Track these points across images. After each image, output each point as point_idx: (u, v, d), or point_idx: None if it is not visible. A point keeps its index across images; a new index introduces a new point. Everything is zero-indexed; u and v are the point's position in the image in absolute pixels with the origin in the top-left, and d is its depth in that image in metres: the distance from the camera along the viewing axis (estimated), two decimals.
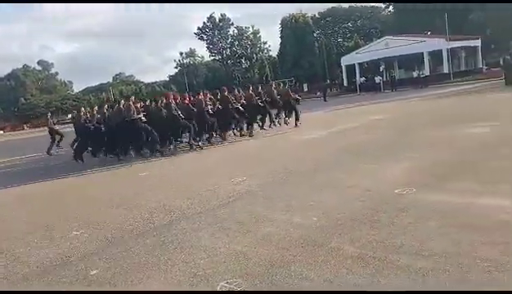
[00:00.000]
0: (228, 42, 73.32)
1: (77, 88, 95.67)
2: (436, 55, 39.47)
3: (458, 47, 39.96)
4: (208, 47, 74.18)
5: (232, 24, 72.94)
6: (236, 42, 73.04)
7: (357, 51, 46.82)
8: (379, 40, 45.53)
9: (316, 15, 68.87)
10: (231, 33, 73.14)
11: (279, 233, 4.52)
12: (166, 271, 3.94)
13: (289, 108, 15.62)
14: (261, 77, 62.09)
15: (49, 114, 19.91)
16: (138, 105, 13.10)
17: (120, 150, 12.83)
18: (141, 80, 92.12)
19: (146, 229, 5.27)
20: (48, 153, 16.58)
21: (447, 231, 4.02)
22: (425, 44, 39.26)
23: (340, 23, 71.49)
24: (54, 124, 18.27)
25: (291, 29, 58.78)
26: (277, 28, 62.40)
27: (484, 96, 19.81)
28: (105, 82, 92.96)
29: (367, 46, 46.85)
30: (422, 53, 38.96)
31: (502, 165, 6.31)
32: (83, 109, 14.60)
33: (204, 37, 73.22)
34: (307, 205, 5.44)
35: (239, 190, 6.72)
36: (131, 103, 12.32)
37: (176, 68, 79.77)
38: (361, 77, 44.11)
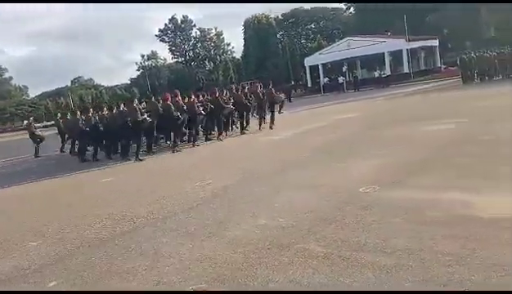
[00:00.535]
0: (191, 43, 72.65)
1: (33, 93, 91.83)
2: (396, 56, 40.51)
3: (417, 47, 41.17)
4: (170, 49, 73.24)
5: (195, 25, 72.37)
6: (199, 44, 72.50)
7: (320, 51, 47.38)
8: (341, 41, 46.22)
9: (279, 17, 69.33)
10: (193, 34, 72.52)
11: (245, 236, 4.47)
12: (128, 280, 3.81)
13: (272, 108, 15.80)
14: (225, 79, 61.94)
15: (31, 119, 20.30)
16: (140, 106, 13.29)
17: (112, 150, 13.19)
18: (102, 84, 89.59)
19: (108, 237, 5.10)
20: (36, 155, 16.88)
21: (410, 227, 4.08)
22: (386, 44, 40.21)
23: (303, 24, 72.20)
24: (35, 128, 18.67)
25: (254, 31, 58.87)
26: (240, 29, 62.38)
27: (444, 95, 20.46)
28: (63, 86, 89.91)
29: (330, 46, 47.48)
30: (383, 53, 39.87)
31: (464, 161, 6.50)
32: (78, 112, 14.84)
33: (166, 38, 72.27)
34: (273, 206, 5.41)
35: (204, 194, 6.63)
36: (135, 105, 12.53)
37: (138, 70, 78.11)
38: (324, 77, 44.69)
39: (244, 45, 61.85)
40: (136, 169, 10.65)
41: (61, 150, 17.17)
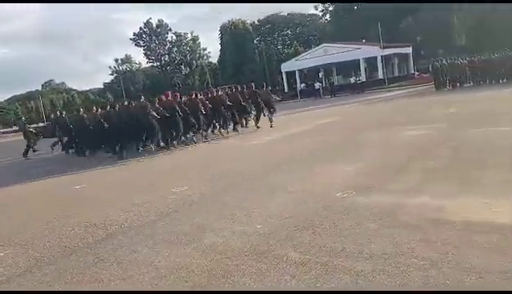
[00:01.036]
0: (166, 48, 71.95)
1: (2, 97, 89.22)
2: (371, 62, 41.15)
3: (391, 54, 41.96)
4: (145, 53, 72.35)
5: (170, 29, 71.81)
6: (175, 49, 71.90)
7: (296, 57, 47.73)
8: (317, 47, 46.65)
9: (256, 22, 69.61)
10: (169, 39, 71.91)
11: (222, 243, 4.42)
12: (102, 289, 3.71)
13: (270, 107, 16.63)
14: (201, 84, 61.65)
15: (23, 118, 22.10)
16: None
17: (116, 147, 13.54)
18: (74, 88, 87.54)
19: (80, 246, 4.96)
20: (30, 153, 17.24)
21: (386, 232, 4.11)
22: (361, 51, 40.82)
23: (279, 30, 72.66)
24: (29, 127, 19.15)
25: (231, 36, 58.88)
26: (216, 34, 62.32)
27: (418, 100, 20.89)
28: (33, 89, 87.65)
29: (306, 53, 47.87)
30: (358, 60, 40.45)
31: (436, 165, 6.63)
32: (81, 109, 15.88)
33: (141, 42, 71.40)
34: (251, 212, 5.38)
35: (181, 200, 6.54)
36: (146, 102, 13.34)
37: (111, 75, 76.77)
38: (301, 83, 45.01)
39: (221, 50, 61.79)
40: (111, 174, 10.44)
41: (52, 147, 17.41)
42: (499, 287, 2.93)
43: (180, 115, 13.09)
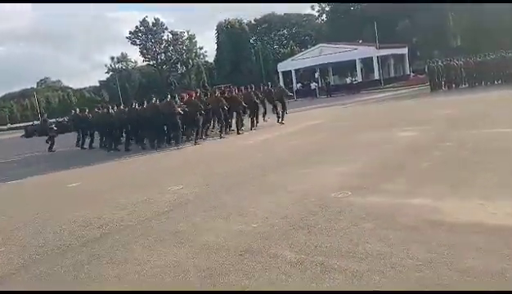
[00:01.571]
0: (162, 46, 71.77)
1: None
2: (367, 63, 41.20)
3: (387, 55, 42.05)
4: (141, 52, 72.12)
5: (166, 28, 71.65)
6: (171, 47, 71.72)
7: (292, 57, 47.74)
8: (313, 47, 46.69)
9: (252, 22, 69.60)
10: (165, 37, 71.74)
11: (217, 242, 4.42)
12: (97, 287, 3.70)
13: (283, 105, 17.19)
14: (198, 83, 61.52)
15: (45, 115, 23.49)
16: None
17: (141, 140, 14.65)
18: (70, 86, 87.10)
19: (75, 244, 4.94)
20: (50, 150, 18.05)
21: (381, 232, 4.12)
22: (357, 52, 40.86)
23: (276, 30, 72.71)
24: (50, 125, 20.29)
25: (227, 35, 58.86)
26: (213, 33, 62.21)
27: (414, 102, 20.90)
28: (28, 87, 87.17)
29: (303, 53, 47.91)
30: (354, 60, 40.48)
31: (433, 166, 6.65)
32: (110, 106, 16.61)
33: (137, 41, 71.16)
34: (246, 212, 5.38)
35: (175, 199, 6.53)
36: (172, 100, 14.04)
37: (107, 73, 76.48)
38: (297, 83, 45.03)
39: (217, 49, 61.71)
40: (106, 172, 10.42)
41: (77, 145, 17.97)
42: (494, 287, 2.95)
43: (202, 113, 14.04)
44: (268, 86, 18.05)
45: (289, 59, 47.67)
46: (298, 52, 51.03)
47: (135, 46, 71.80)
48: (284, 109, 17.02)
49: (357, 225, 4.39)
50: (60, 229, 5.61)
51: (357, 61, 40.53)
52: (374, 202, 5.10)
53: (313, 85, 41.32)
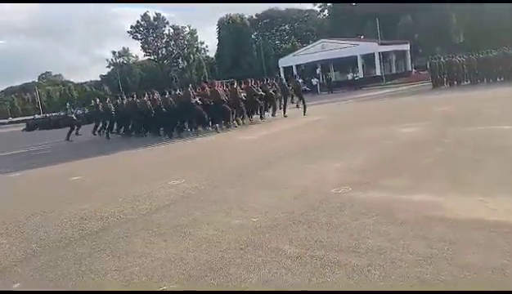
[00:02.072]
0: (164, 41, 71.59)
1: None
2: (369, 59, 41.10)
3: (389, 51, 41.93)
4: (142, 47, 72.02)
5: (168, 23, 71.46)
6: (172, 42, 71.56)
7: (294, 53, 47.63)
8: (315, 43, 46.51)
9: (254, 17, 69.38)
10: (166, 32, 71.55)
11: (217, 236, 4.43)
12: (97, 280, 3.72)
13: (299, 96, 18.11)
14: (199, 78, 61.47)
15: (67, 105, 23.69)
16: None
17: (169, 129, 15.37)
18: (71, 80, 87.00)
19: (76, 237, 4.96)
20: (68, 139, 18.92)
21: (382, 228, 4.13)
22: (359, 47, 40.74)
23: (277, 25, 72.48)
24: (72, 114, 21.40)
25: (228, 30, 58.74)
26: (214, 28, 62.07)
27: (415, 98, 20.90)
28: (29, 81, 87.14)
29: (304, 48, 47.79)
30: (356, 56, 40.36)
31: (433, 162, 6.65)
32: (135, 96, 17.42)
33: (139, 36, 71.05)
34: (246, 206, 5.38)
35: (176, 193, 6.54)
36: (190, 90, 14.91)
37: (108, 67, 76.39)
38: (298, 78, 44.89)
39: (219, 44, 61.62)
40: (111, 165, 10.43)
41: (94, 132, 19.19)
42: (494, 283, 2.95)
43: (225, 102, 14.98)
44: (279, 79, 19.39)
45: (291, 54, 47.55)
46: (300, 48, 50.88)
47: (136, 41, 71.80)
48: (303, 101, 17.67)
49: (358, 220, 4.40)
50: (61, 222, 5.62)
51: (359, 57, 40.43)
52: (374, 198, 5.11)
53: (314, 81, 41.22)
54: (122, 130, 18.01)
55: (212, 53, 69.21)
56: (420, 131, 9.85)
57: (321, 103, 24.35)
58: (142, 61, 76.42)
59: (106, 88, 69.91)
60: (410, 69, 44.34)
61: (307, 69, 45.80)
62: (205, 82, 19.13)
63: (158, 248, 4.29)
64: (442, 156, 7.06)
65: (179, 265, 3.83)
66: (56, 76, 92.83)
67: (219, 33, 60.96)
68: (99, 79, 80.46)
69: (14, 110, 69.25)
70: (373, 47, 39.92)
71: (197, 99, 14.43)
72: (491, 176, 5.45)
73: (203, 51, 73.36)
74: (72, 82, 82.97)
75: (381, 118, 13.32)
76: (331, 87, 38.08)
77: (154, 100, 15.79)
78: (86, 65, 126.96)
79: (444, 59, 26.62)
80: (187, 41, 72.08)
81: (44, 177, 10.06)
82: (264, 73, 50.50)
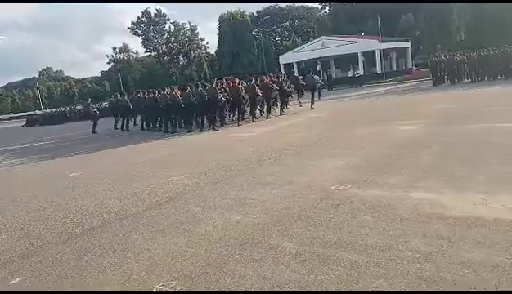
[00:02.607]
0: (164, 37, 71.52)
1: None
2: (369, 56, 41.02)
3: (390, 48, 41.85)
4: (143, 43, 71.94)
5: (168, 19, 71.34)
6: (173, 38, 71.46)
7: (294, 50, 47.55)
8: (315, 40, 46.44)
9: (255, 14, 69.26)
10: (167, 28, 71.45)
11: (217, 232, 4.44)
12: (97, 276, 3.72)
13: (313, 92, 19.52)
14: (199, 75, 61.41)
15: (89, 100, 25.57)
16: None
17: (189, 123, 16.13)
18: (71, 76, 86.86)
19: (76, 233, 4.97)
20: (93, 132, 20.13)
21: (381, 225, 4.13)
22: (359, 45, 40.68)
23: (278, 22, 72.38)
24: (93, 109, 22.69)
25: (229, 27, 58.52)
26: (215, 25, 61.95)
27: (415, 96, 20.88)
28: (30, 77, 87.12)
29: (304, 45, 47.71)
30: (356, 53, 40.30)
31: (432, 160, 6.64)
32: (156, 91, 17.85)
33: (139, 32, 70.97)
34: (246, 203, 5.39)
35: (176, 189, 6.55)
36: (215, 86, 15.61)
37: (108, 63, 76.23)
38: (299, 75, 44.78)
39: (219, 41, 61.43)
40: (107, 161, 10.43)
41: (115, 127, 19.95)
42: (493, 280, 2.95)
43: (244, 98, 15.78)
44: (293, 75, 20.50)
45: (291, 51, 47.50)
46: (300, 45, 50.77)
47: (137, 37, 71.72)
48: (318, 95, 19.23)
49: (357, 218, 4.40)
50: (61, 218, 5.64)
51: (359, 54, 40.36)
52: (373, 195, 5.11)
53: (316, 77, 41.04)
54: (145, 124, 18.65)
55: (212, 50, 69.21)
56: (420, 128, 9.84)
57: (321, 100, 24.29)
58: (143, 57, 76.31)
59: (107, 84, 69.83)
60: (410, 66, 44.29)
61: (308, 66, 45.65)
62: (227, 78, 19.62)
63: (157, 244, 4.29)
64: (441, 154, 7.06)
65: (178, 261, 3.83)
66: (56, 72, 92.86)
67: (220, 29, 60.79)
68: (99, 75, 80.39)
69: (14, 106, 69.27)
70: (374, 45, 39.85)
71: (221, 95, 14.99)
72: (491, 174, 5.44)
73: (203, 48, 73.31)
74: (73, 78, 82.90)
75: (381, 116, 13.31)
76: (331, 84, 38.02)
77: (175, 95, 16.05)
78: (86, 61, 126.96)
79: (445, 56, 26.59)
80: (188, 37, 71.97)
81: (45, 173, 10.07)
82: (265, 71, 50.52)
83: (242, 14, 60.72)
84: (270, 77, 17.98)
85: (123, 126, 19.41)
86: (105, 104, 30.20)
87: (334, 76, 42.24)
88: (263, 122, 15.92)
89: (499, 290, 2.87)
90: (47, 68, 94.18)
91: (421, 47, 47.31)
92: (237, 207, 5.27)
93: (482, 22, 40.67)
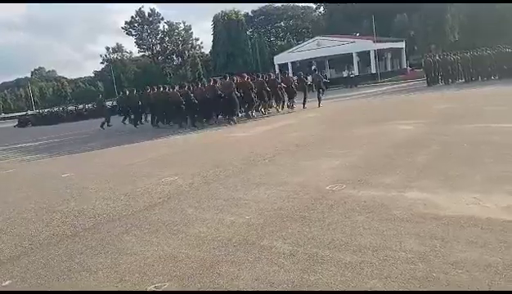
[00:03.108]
0: (158, 37, 71.33)
1: None
2: (364, 56, 41.11)
3: (384, 49, 41.97)
4: (137, 43, 71.70)
5: (162, 18, 71.15)
6: (167, 38, 71.27)
7: (289, 50, 47.57)
8: (310, 40, 46.48)
9: (249, 14, 69.25)
10: (161, 28, 71.26)
11: (210, 233, 4.41)
12: (89, 278, 3.69)
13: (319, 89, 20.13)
14: (193, 74, 61.29)
15: (100, 96, 28.09)
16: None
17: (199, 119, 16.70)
18: (64, 76, 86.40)
19: (68, 234, 4.92)
20: (102, 127, 20.88)
21: (375, 225, 4.12)
22: (354, 45, 40.76)
23: (273, 22, 72.40)
24: (105, 106, 23.76)
25: (224, 26, 58.49)
26: (209, 25, 61.88)
27: (410, 96, 20.96)
28: (22, 77, 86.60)
29: (299, 45, 47.74)
30: (351, 54, 40.38)
31: (427, 160, 6.65)
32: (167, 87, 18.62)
33: (133, 31, 70.73)
34: (240, 203, 5.37)
35: (170, 190, 6.51)
36: (231, 81, 16.01)
37: (102, 63, 75.89)
38: (293, 75, 44.79)
39: (214, 40, 61.37)
40: (99, 161, 10.37)
41: (124, 122, 20.55)
42: (486, 280, 2.95)
43: (255, 93, 16.41)
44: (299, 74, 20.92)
45: (286, 51, 47.52)
46: (295, 45, 50.79)
47: (130, 37, 71.50)
48: (318, 95, 19.42)
49: (351, 218, 4.39)
50: (51, 219, 5.58)
51: (354, 55, 40.46)
52: (368, 195, 5.10)
53: (310, 78, 41.13)
54: (155, 120, 18.80)
55: (207, 50, 69.16)
56: (415, 128, 9.86)
57: (316, 100, 24.28)
58: (136, 57, 76.03)
59: (100, 84, 69.54)
60: (405, 66, 44.45)
61: (303, 66, 45.70)
62: (239, 74, 19.74)
63: (150, 245, 4.26)
64: (436, 154, 7.07)
65: (171, 262, 3.80)
66: (49, 72, 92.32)
67: (214, 29, 60.71)
68: (92, 75, 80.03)
69: (6, 106, 68.83)
70: (368, 45, 39.94)
71: (236, 91, 15.53)
72: (485, 174, 5.45)
73: (197, 48, 73.22)
74: (65, 78, 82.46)
75: (376, 116, 13.33)
76: (326, 85, 38.01)
77: (187, 91, 16.46)
78: (79, 61, 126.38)
79: (439, 56, 26.69)
80: (182, 37, 71.83)
81: (37, 173, 10.00)
82: (259, 70, 50.43)
83: (237, 14, 60.71)
84: (249, 76, 18.21)
85: (136, 121, 19.63)
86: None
87: (328, 76, 42.26)
88: (261, 121, 15.96)
89: (492, 290, 2.87)
90: (40, 68, 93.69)
91: (416, 48, 47.52)
92: (231, 207, 5.25)
93: (477, 22, 40.90)
